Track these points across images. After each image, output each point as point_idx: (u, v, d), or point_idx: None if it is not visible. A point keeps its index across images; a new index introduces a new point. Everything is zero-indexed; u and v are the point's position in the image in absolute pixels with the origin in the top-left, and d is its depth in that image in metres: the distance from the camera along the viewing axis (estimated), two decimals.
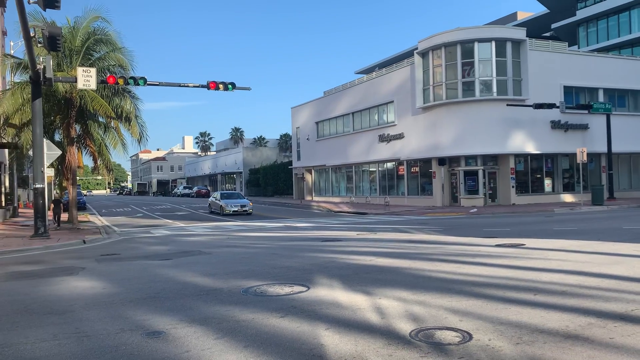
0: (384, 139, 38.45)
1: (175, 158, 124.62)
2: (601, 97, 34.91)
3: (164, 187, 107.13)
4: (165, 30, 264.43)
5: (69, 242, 17.11)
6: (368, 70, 64.77)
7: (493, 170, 33.01)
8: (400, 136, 36.78)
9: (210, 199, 37.15)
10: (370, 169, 41.79)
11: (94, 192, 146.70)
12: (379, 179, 40.43)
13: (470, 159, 32.93)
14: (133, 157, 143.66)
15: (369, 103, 40.61)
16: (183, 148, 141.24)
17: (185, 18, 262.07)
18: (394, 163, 38.29)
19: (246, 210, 32.43)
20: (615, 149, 32.82)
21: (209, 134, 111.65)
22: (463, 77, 31.90)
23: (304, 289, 8.22)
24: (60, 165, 26.31)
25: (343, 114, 44.15)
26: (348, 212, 32.26)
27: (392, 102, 37.75)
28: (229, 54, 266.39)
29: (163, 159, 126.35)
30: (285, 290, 8.20)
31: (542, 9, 57.84)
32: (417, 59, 34.39)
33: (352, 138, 42.95)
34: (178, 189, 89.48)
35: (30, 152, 22.49)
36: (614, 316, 6.07)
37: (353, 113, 42.86)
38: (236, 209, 32.33)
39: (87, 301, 7.92)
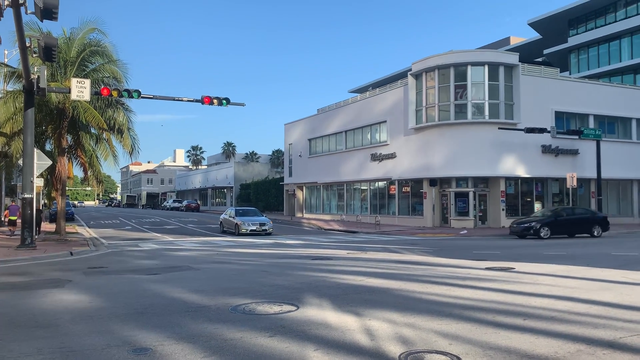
0: (376, 158, 38.59)
1: (166, 171, 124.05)
2: (591, 123, 35.34)
3: (154, 200, 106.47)
4: (160, 44, 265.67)
5: (55, 254, 16.92)
6: (362, 90, 65.22)
7: (484, 193, 33.17)
8: (392, 156, 36.94)
9: (223, 216, 31.86)
10: (362, 188, 41.85)
11: (86, 203, 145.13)
12: (370, 198, 40.47)
13: (461, 180, 33.10)
14: (123, 169, 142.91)
15: (362, 122, 40.83)
16: (174, 161, 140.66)
17: (181, 33, 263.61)
18: (385, 182, 38.39)
19: (265, 230, 28.11)
20: (604, 175, 33.12)
21: (200, 148, 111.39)
22: (455, 99, 32.19)
23: (294, 308, 8.16)
24: (50, 175, 26.15)
25: (336, 132, 44.32)
26: (339, 230, 32.19)
27: (385, 121, 37.98)
28: (223, 70, 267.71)
29: (154, 171, 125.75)
30: (274, 309, 8.14)
31: (534, 35, 58.70)
32: (410, 80, 34.70)
33: (344, 156, 43.07)
34: (168, 202, 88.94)
35: (20, 162, 22.33)
36: (602, 343, 6.08)
37: (346, 131, 43.04)
38: (254, 228, 27.92)
39: (74, 315, 7.81)
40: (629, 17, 50.39)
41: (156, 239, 26.03)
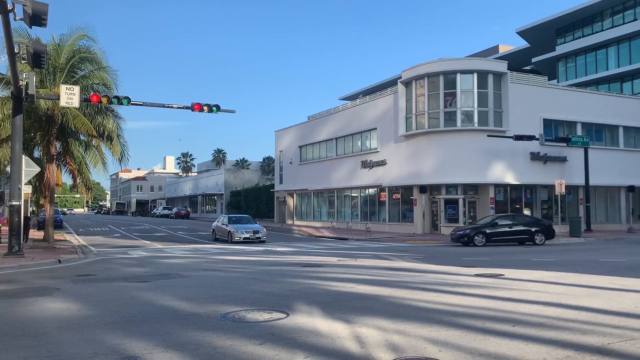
0: (366, 165, 38.69)
1: (156, 178, 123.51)
2: (579, 131, 35.69)
3: (143, 207, 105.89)
4: (150, 51, 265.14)
5: (43, 262, 16.75)
6: (352, 97, 65.45)
7: (473, 200, 33.33)
8: (382, 163, 37.06)
9: (216, 223, 31.29)
10: (352, 195, 41.91)
11: (75, 210, 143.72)
12: (360, 205, 40.53)
13: (451, 187, 33.25)
14: (113, 176, 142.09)
15: (353, 129, 40.95)
16: (164, 168, 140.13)
17: (170, 39, 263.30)
18: (375, 189, 38.48)
19: (259, 238, 27.84)
20: (592, 181, 33.45)
21: (190, 155, 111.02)
22: (445, 107, 32.40)
23: (283, 315, 8.14)
24: (39, 182, 25.95)
25: (326, 139, 44.41)
26: (329, 237, 32.18)
27: (375, 129, 38.12)
28: (214, 77, 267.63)
29: (143, 178, 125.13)
30: (264, 316, 8.11)
31: (523, 43, 59.29)
32: (400, 87, 34.90)
33: (334, 163, 43.14)
34: (157, 209, 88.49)
35: (8, 169, 22.14)
36: (591, 349, 6.11)
37: (336, 138, 43.14)
38: (247, 236, 27.61)
39: (61, 323, 7.74)
40: (616, 26, 51.08)
41: (146, 246, 25.87)
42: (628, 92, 48.70)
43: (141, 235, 34.45)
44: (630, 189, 35.60)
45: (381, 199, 38.05)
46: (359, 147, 40.63)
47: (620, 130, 37.76)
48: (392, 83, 46.40)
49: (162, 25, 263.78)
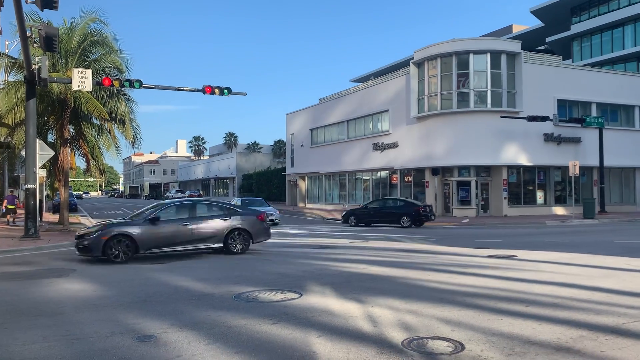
0: (378, 147, 38.54)
1: (168, 162, 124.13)
2: (594, 111, 35.20)
3: (156, 191, 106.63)
4: (161, 34, 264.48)
5: (59, 244, 16.98)
6: (363, 79, 64.97)
7: (486, 182, 33.12)
8: (394, 145, 36.88)
9: None
10: (364, 177, 41.83)
11: (92, 194, 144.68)
12: (372, 188, 40.46)
13: (463, 169, 33.05)
14: (126, 160, 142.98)
15: (364, 111, 40.72)
16: (176, 152, 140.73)
17: (181, 23, 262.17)
18: (387, 172, 38.36)
19: (272, 220, 26.80)
20: (607, 163, 33.05)
21: (202, 138, 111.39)
22: (458, 88, 32.06)
23: (297, 295, 8.20)
24: (53, 166, 26.15)
25: (338, 121, 44.23)
26: (340, 220, 32.20)
27: (387, 111, 37.88)
28: (224, 59, 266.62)
29: (156, 162, 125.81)
30: (277, 296, 8.17)
31: (537, 23, 58.29)
32: (412, 68, 34.55)
33: (346, 146, 43.01)
34: (170, 192, 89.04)
35: (23, 153, 22.35)
36: (605, 329, 6.10)
37: (348, 121, 42.95)
38: None
39: (78, 303, 7.86)
40: (633, 4, 49.97)
41: None
42: None
43: None
44: None
45: (393, 181, 37.94)
46: (371, 130, 40.42)
47: (636, 110, 37.15)
48: (404, 64, 45.97)
49: (174, 9, 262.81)
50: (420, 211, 25.82)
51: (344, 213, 28.88)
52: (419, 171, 35.16)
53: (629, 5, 50.21)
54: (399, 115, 36.41)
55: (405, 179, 36.77)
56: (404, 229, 24.66)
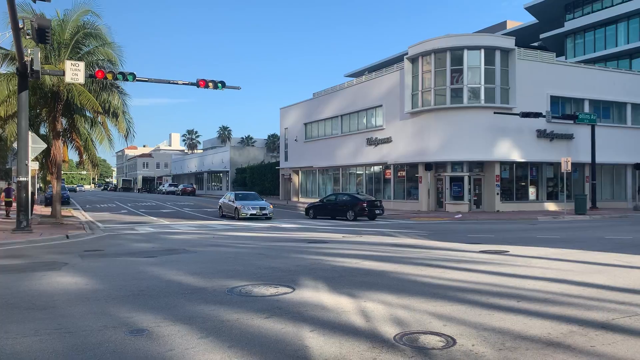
0: (371, 142, 38.58)
1: (162, 155, 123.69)
2: (586, 108, 35.38)
3: (150, 184, 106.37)
4: (156, 27, 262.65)
5: (51, 237, 16.92)
6: (358, 74, 64.90)
7: (478, 177, 33.26)
8: (388, 140, 36.93)
9: (222, 200, 31.36)
10: (357, 172, 41.88)
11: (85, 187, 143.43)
12: (365, 182, 40.54)
13: (456, 165, 33.16)
14: (119, 153, 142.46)
15: (358, 106, 40.73)
16: (170, 145, 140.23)
17: (175, 15, 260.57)
18: (381, 167, 38.43)
19: (266, 214, 27.99)
20: (599, 159, 33.27)
21: (196, 132, 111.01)
22: (452, 83, 32.12)
23: (289, 290, 8.22)
24: (45, 159, 26.05)
25: (332, 116, 44.22)
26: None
27: (381, 106, 37.90)
28: (219, 52, 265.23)
29: (149, 155, 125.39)
30: (270, 291, 8.19)
31: (531, 19, 58.41)
32: (406, 64, 34.57)
33: (340, 141, 43.03)
34: (163, 186, 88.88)
35: (15, 145, 22.21)
36: (595, 324, 6.16)
37: (342, 116, 42.95)
38: (254, 212, 27.71)
39: (70, 297, 7.85)
40: (626, 1, 50.16)
41: (152, 222, 26.05)
42: (637, 68, 48.03)
43: (148, 212, 34.66)
44: (637, 166, 35.43)
45: (386, 176, 38.02)
46: (365, 125, 40.46)
47: (629, 108, 37.39)
48: (399, 59, 45.95)
49: (168, 2, 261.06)
50: (364, 206, 27.36)
51: (306, 206, 30.94)
52: (412, 166, 35.25)
53: (622, 2, 50.40)
54: (392, 111, 36.45)
55: (399, 174, 36.87)
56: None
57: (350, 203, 27.89)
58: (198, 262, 11.63)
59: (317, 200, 32.05)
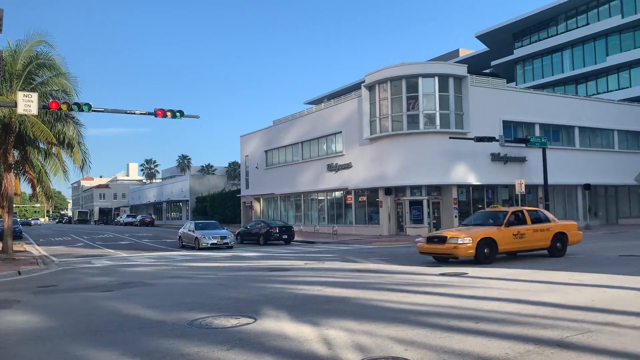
0: (332, 168, 38.90)
1: (119, 185, 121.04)
2: (537, 132, 36.72)
3: (107, 216, 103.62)
4: (113, 56, 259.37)
5: (2, 274, 16.24)
6: (317, 101, 65.73)
7: (437, 200, 33.89)
8: (348, 166, 37.32)
9: (182, 230, 30.81)
10: (319, 198, 42.04)
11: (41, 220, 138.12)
12: (327, 208, 40.69)
13: (415, 189, 33.74)
14: (74, 184, 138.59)
15: (318, 133, 41.13)
16: (127, 175, 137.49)
17: (131, 43, 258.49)
18: (342, 192, 38.71)
19: (227, 243, 27.42)
20: (551, 181, 34.41)
21: (154, 161, 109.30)
22: (408, 110, 32.90)
23: (251, 320, 8.14)
24: None
25: (292, 143, 44.46)
26: (296, 241, 32.16)
27: (341, 132, 38.39)
28: (178, 82, 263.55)
29: (106, 186, 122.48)
30: (231, 322, 8.10)
31: (482, 47, 60.68)
32: (364, 91, 35.26)
33: (301, 167, 43.21)
34: (121, 217, 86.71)
35: None
36: (550, 343, 6.34)
37: (302, 142, 43.24)
38: (215, 242, 27.11)
39: (22, 336, 7.56)
40: (570, 30, 52.81)
41: (110, 255, 25.36)
42: (582, 93, 50.41)
43: (105, 244, 33.73)
44: (587, 187, 36.79)
45: (347, 201, 38.29)
46: (325, 151, 40.82)
47: (576, 131, 39.05)
48: (357, 87, 46.83)
49: (123, 30, 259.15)
50: (270, 231, 29.94)
51: (236, 232, 32.77)
52: (373, 191, 35.65)
53: (567, 31, 53.03)
54: (352, 137, 36.96)
55: (360, 199, 37.20)
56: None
57: (263, 229, 30.55)
58: (157, 295, 11.39)
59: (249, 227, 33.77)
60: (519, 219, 16.64)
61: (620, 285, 10.65)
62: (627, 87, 50.77)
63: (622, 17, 49.61)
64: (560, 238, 17.13)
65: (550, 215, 17.80)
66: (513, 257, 17.36)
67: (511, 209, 17.21)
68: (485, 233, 15.78)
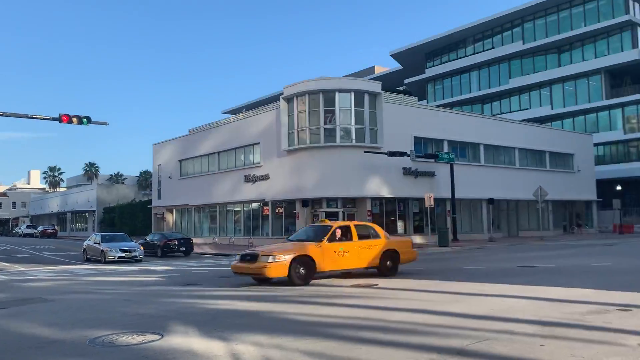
0: (249, 179, 38.60)
1: (19, 194, 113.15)
2: (446, 148, 38.55)
3: (4, 226, 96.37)
4: (17, 58, 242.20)
5: None
6: (235, 111, 65.15)
7: (352, 212, 34.55)
8: (265, 177, 37.20)
9: (87, 242, 29.30)
10: (235, 209, 41.51)
11: None
12: (243, 220, 40.26)
13: (331, 201, 34.22)
14: None
15: (236, 143, 40.70)
16: (28, 183, 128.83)
17: (37, 47, 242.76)
18: (259, 203, 38.47)
19: (135, 256, 26.30)
20: (458, 195, 36.20)
21: (59, 169, 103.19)
22: (325, 123, 33.42)
23: (157, 337, 7.85)
24: None
25: (208, 152, 43.66)
26: (211, 254, 31.58)
27: (259, 143, 38.24)
28: (87, 87, 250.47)
29: (4, 195, 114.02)
30: (136, 339, 7.76)
31: (397, 65, 63.04)
32: (282, 103, 35.41)
33: (217, 178, 42.50)
34: (20, 228, 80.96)
35: None
36: (452, 351, 6.61)
37: (219, 152, 42.59)
38: (123, 255, 25.99)
39: None
40: (477, 52, 56.19)
41: (5, 269, 23.52)
42: (488, 113, 53.72)
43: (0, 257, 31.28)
44: (490, 201, 39.01)
45: (264, 213, 38.12)
46: (242, 162, 40.46)
47: (482, 148, 41.41)
48: (275, 98, 46.92)
49: (29, 28, 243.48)
50: (168, 244, 30.06)
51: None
52: (290, 203, 35.74)
53: (474, 53, 56.34)
54: (270, 148, 36.93)
55: (277, 211, 37.15)
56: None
57: (160, 241, 30.43)
58: (56, 312, 10.71)
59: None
60: (344, 235, 15.03)
61: (517, 294, 11.35)
62: (528, 109, 54.73)
63: (524, 44, 53.56)
64: (391, 256, 15.66)
65: (381, 232, 16.24)
66: (422, 270, 17.95)
67: (336, 224, 15.63)
68: (301, 250, 14.05)
